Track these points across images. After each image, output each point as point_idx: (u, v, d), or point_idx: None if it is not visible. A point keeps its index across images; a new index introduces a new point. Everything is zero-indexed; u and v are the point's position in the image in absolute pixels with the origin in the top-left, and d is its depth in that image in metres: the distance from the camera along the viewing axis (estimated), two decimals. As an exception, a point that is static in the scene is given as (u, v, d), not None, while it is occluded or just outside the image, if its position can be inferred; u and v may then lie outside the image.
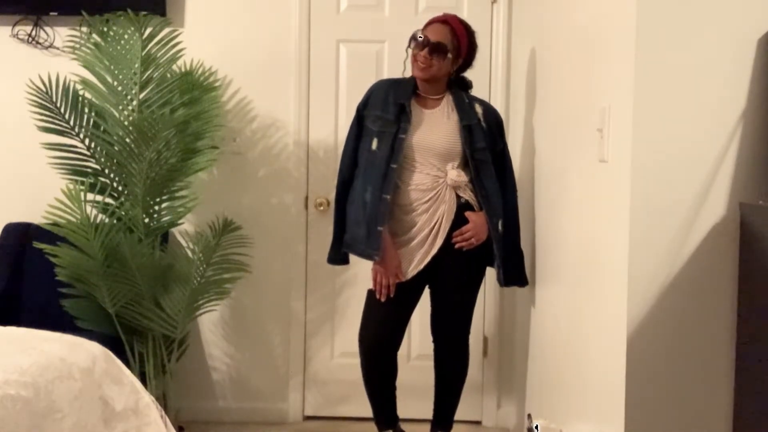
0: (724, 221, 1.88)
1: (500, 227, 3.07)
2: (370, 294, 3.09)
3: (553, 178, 2.97)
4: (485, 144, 3.06)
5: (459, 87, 3.17)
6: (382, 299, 3.02)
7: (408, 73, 3.14)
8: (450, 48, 3.03)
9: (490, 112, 3.18)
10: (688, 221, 1.88)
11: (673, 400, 1.92)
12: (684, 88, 1.88)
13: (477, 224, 3.02)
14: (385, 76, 3.60)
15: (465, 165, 3.06)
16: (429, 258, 3.00)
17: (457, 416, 3.46)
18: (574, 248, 2.57)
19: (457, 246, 3.01)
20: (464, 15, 3.69)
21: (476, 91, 3.62)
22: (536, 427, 2.68)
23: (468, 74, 3.70)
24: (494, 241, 3.05)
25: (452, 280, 3.08)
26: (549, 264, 3.00)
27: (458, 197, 3.02)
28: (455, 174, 3.00)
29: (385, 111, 3.03)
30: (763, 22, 1.86)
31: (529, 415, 3.02)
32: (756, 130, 1.87)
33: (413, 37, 3.04)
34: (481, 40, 3.70)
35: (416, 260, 3.01)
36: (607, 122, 2.11)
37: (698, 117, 1.88)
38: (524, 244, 3.38)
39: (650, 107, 1.88)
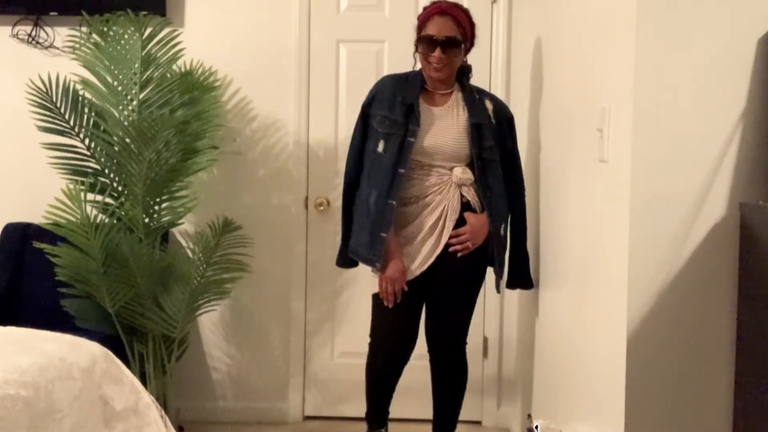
0: (724, 221, 1.88)
1: (502, 231, 2.96)
2: (376, 299, 2.97)
3: (553, 178, 2.97)
4: (494, 143, 2.94)
5: (463, 75, 3.03)
6: (390, 306, 2.90)
7: (417, 67, 3.03)
8: (461, 39, 2.91)
9: (501, 109, 3.05)
10: (688, 221, 1.88)
11: (673, 400, 1.92)
12: (684, 88, 1.88)
13: (475, 227, 2.90)
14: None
15: (472, 164, 2.93)
16: (434, 257, 2.88)
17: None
18: (574, 248, 2.57)
19: (451, 249, 2.88)
20: (464, 15, 3.71)
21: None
22: (536, 427, 2.68)
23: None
24: (495, 245, 2.94)
25: (451, 281, 2.95)
26: (549, 264, 3.00)
27: (461, 196, 2.91)
28: (460, 171, 2.89)
29: (393, 111, 2.89)
30: (763, 22, 1.86)
31: (529, 415, 3.02)
32: (756, 130, 1.87)
33: (420, 39, 2.91)
34: (481, 40, 3.71)
35: (421, 258, 2.89)
36: (607, 122, 2.11)
37: (698, 117, 1.88)
38: (528, 245, 3.38)
39: (650, 107, 1.88)
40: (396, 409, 3.59)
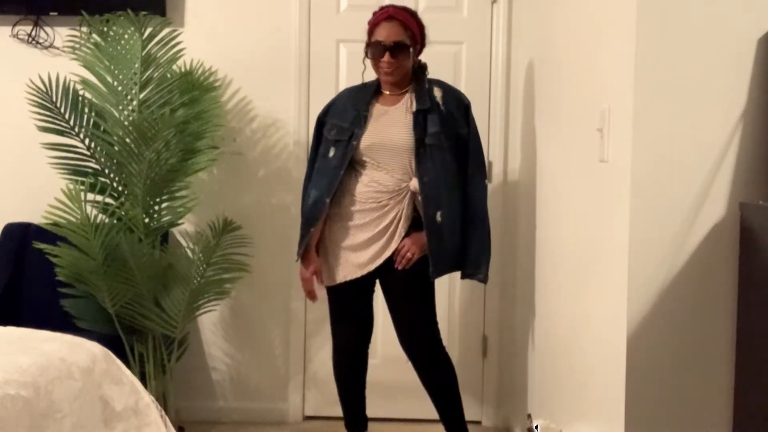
0: (724, 221, 1.88)
1: (439, 218, 2.93)
2: (328, 292, 3.12)
3: (553, 178, 2.97)
4: (440, 128, 2.94)
5: (421, 72, 3.06)
6: (312, 301, 3.14)
7: (368, 79, 3.09)
8: (409, 42, 2.96)
9: (452, 95, 3.05)
10: (688, 221, 1.88)
11: (673, 400, 1.92)
12: (684, 88, 1.88)
13: (413, 239, 2.94)
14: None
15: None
16: (381, 260, 2.95)
17: (457, 416, 3.46)
18: (574, 248, 2.57)
19: (400, 268, 2.94)
20: (464, 15, 3.72)
21: (476, 91, 3.64)
22: (536, 427, 2.68)
23: (468, 74, 3.73)
24: (428, 231, 2.92)
25: (400, 275, 2.97)
26: (549, 264, 3.00)
27: (414, 207, 2.96)
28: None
29: (342, 119, 3.02)
30: (763, 22, 1.86)
31: (529, 415, 3.02)
32: (756, 130, 1.87)
33: (368, 45, 3.00)
34: (481, 40, 3.73)
35: (368, 257, 2.96)
36: (607, 122, 2.11)
37: (698, 117, 1.88)
38: (526, 245, 3.38)
39: (650, 107, 1.88)
40: (396, 409, 3.60)
